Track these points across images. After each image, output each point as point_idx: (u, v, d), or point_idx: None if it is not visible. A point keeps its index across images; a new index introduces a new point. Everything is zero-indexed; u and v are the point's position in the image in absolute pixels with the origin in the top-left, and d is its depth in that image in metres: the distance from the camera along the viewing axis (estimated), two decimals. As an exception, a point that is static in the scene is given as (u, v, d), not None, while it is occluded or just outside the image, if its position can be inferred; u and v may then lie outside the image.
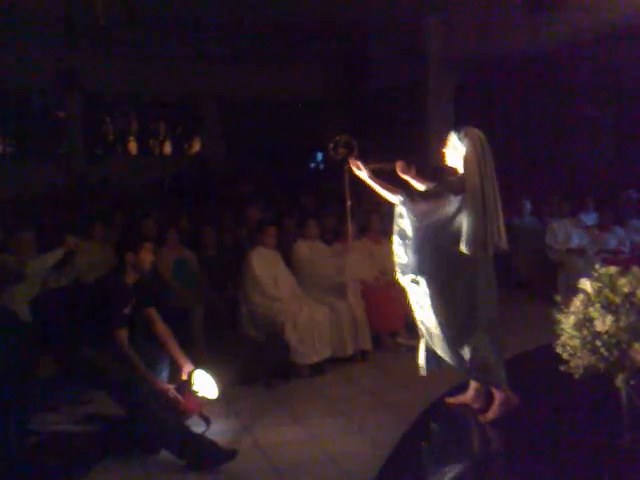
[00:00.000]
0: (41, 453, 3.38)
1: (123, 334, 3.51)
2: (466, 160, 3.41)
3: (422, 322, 3.62)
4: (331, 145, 4.04)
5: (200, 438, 3.38)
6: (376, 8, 8.69)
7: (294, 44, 10.52)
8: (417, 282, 3.51)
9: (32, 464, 3.29)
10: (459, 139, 3.46)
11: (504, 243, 3.47)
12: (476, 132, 3.46)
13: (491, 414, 3.52)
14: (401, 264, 3.55)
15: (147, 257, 3.67)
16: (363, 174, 3.68)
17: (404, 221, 3.50)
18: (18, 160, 11.51)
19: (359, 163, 3.70)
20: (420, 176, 3.81)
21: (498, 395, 3.52)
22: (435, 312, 3.50)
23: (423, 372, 3.71)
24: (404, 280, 3.58)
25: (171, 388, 3.53)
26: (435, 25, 9.30)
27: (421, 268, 3.47)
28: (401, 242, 3.53)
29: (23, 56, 9.96)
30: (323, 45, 10.65)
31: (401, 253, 3.54)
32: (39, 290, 4.35)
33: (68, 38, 9.09)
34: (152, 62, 11.17)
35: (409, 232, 3.49)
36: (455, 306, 3.47)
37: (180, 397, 3.50)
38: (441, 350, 3.57)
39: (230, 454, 3.25)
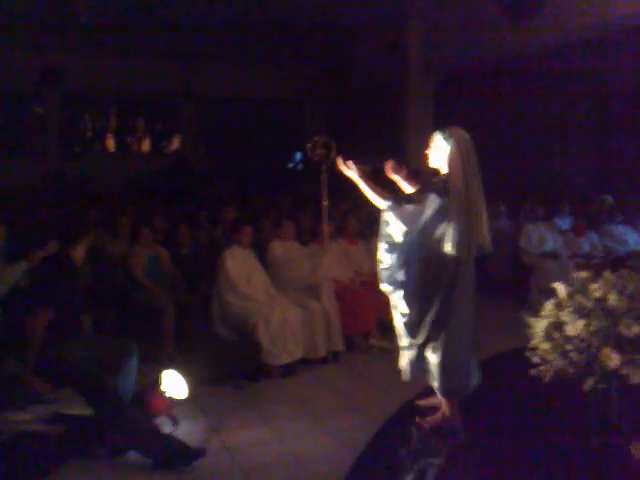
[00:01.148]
0: (6, 453, 3.27)
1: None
2: (451, 160, 3.35)
3: (397, 326, 3.58)
4: (309, 145, 3.98)
5: (168, 438, 3.34)
6: (359, 9, 8.69)
7: (274, 44, 10.47)
8: (400, 287, 3.44)
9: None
10: (444, 139, 3.38)
11: (488, 244, 3.39)
12: (461, 132, 3.40)
13: (429, 422, 3.49)
14: (385, 270, 3.47)
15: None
16: (352, 174, 3.59)
17: (390, 228, 3.41)
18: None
19: (350, 162, 3.61)
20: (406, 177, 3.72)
21: (444, 407, 3.48)
22: (409, 316, 3.45)
23: (405, 377, 3.57)
24: (386, 287, 3.50)
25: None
26: (417, 27, 9.31)
27: (405, 273, 3.40)
28: (387, 248, 3.44)
29: (1, 53, 9.74)
30: (304, 45, 10.61)
31: (386, 260, 3.45)
32: (9, 290, 4.26)
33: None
34: (131, 59, 11.03)
35: (397, 238, 3.39)
36: (428, 312, 3.41)
37: None
38: (408, 354, 3.51)
39: (198, 452, 3.22)
